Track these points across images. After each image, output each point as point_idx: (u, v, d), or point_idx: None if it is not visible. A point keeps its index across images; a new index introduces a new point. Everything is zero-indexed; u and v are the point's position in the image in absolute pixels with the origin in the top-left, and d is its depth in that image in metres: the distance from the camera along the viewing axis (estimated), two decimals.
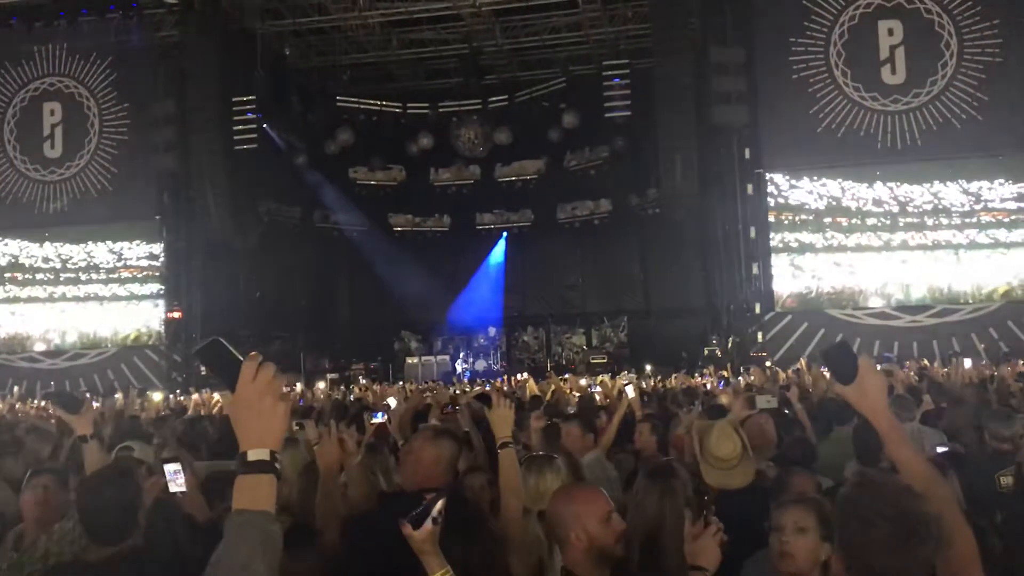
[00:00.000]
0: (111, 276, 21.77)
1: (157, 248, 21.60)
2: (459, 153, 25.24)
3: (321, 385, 16.85)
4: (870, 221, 18.98)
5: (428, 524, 2.50)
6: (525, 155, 24.87)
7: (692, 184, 18.49)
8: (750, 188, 19.13)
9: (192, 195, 20.43)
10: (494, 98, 24.63)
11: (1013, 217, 18.41)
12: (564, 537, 2.87)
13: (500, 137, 24.61)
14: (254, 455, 1.72)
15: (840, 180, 19.02)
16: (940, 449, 4.43)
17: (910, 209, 18.79)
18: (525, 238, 25.55)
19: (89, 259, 21.77)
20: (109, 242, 21.69)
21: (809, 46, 18.84)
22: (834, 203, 19.07)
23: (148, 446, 5.90)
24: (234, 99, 20.76)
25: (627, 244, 24.58)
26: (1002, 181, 18.41)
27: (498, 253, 25.74)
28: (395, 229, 25.63)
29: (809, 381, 9.46)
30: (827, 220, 19.10)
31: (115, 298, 21.73)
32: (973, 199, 18.52)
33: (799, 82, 18.82)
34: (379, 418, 6.34)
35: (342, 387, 17.36)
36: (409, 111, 25.06)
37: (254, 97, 21.07)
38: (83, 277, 21.82)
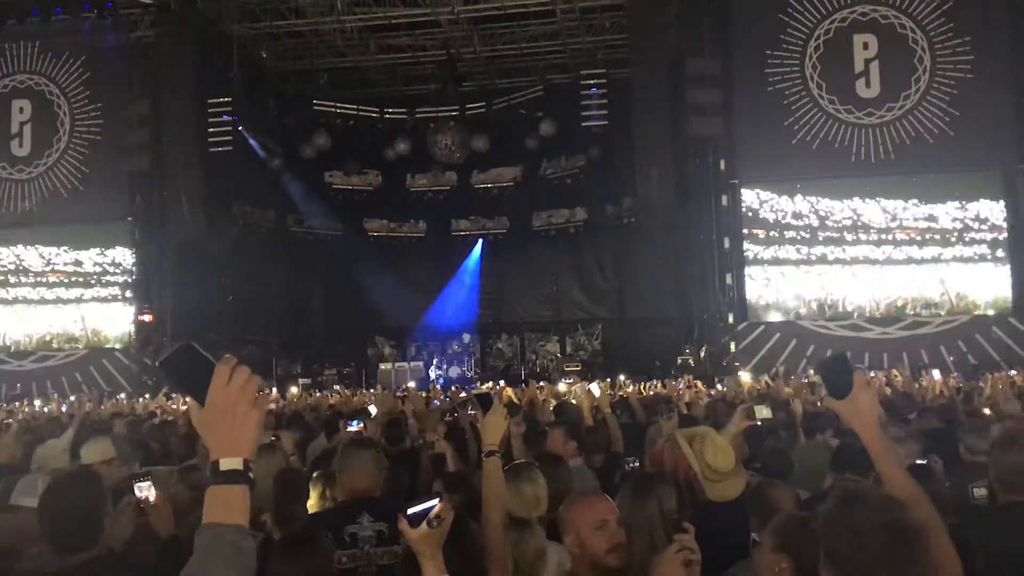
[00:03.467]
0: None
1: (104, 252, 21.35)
2: (436, 159, 25.17)
3: (294, 390, 16.75)
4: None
5: (423, 526, 2.32)
6: (502, 162, 24.88)
7: (667, 194, 18.57)
8: (725, 199, 19.26)
9: (165, 197, 20.22)
10: (471, 105, 24.58)
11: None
12: (565, 541, 2.94)
13: (477, 144, 24.58)
14: (226, 464, 1.62)
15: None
16: (918, 461, 4.44)
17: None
18: (500, 245, 25.56)
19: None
20: (61, 247, 21.44)
21: (785, 59, 19.02)
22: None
23: (110, 445, 5.77)
24: (209, 101, 20.61)
25: (602, 253, 24.70)
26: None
27: (473, 260, 25.71)
28: (370, 234, 25.54)
29: (788, 391, 9.46)
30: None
31: (78, 300, 21.41)
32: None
33: (775, 94, 18.98)
34: (355, 426, 6.30)
35: (315, 392, 17.23)
36: (386, 116, 24.95)
37: (230, 99, 20.90)
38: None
